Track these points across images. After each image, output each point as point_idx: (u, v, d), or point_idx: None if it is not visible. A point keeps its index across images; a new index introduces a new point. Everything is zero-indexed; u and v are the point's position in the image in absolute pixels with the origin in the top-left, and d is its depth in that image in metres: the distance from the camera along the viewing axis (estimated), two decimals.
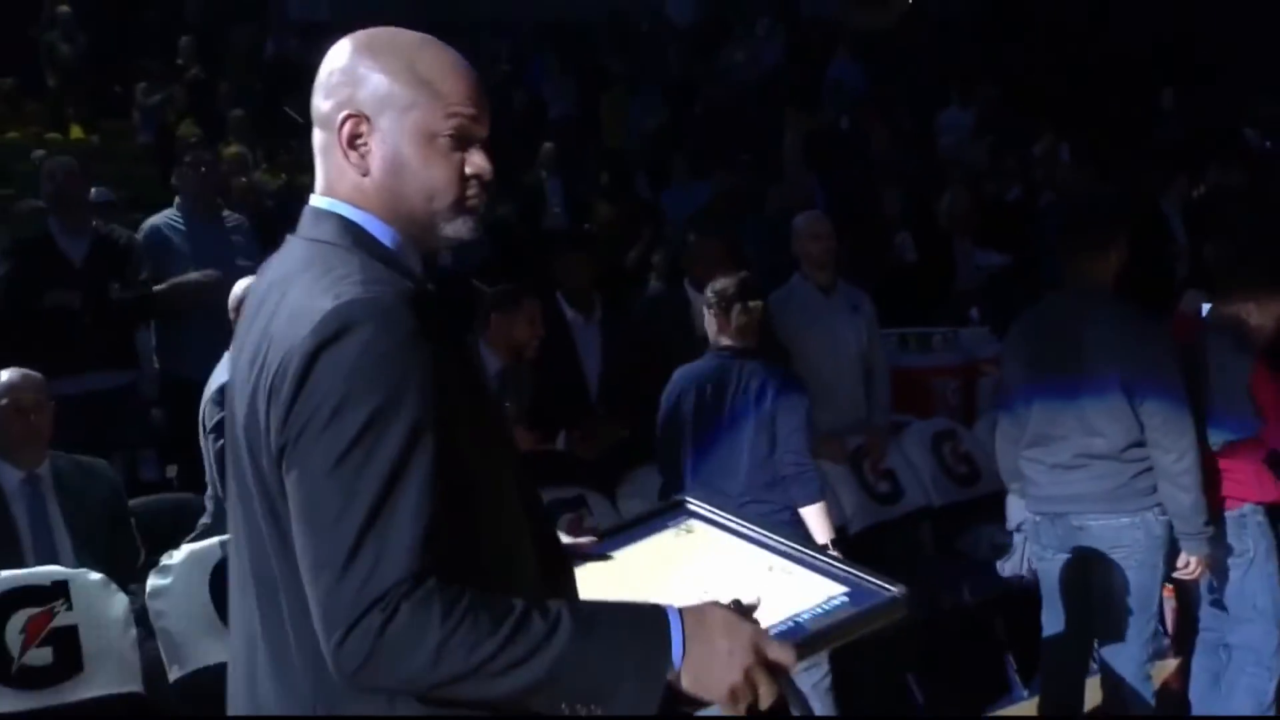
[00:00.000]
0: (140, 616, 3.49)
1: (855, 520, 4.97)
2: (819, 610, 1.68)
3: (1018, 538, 4.49)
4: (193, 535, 3.79)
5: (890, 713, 4.63)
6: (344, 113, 1.55)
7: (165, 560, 3.54)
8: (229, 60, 12.15)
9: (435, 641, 1.36)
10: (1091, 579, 3.85)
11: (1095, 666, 4.06)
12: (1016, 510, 4.23)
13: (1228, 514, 3.95)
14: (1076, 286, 3.89)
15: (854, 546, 4.89)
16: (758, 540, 1.89)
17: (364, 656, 1.36)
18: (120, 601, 3.41)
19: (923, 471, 5.28)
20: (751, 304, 4.02)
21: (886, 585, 1.73)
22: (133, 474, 5.08)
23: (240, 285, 3.95)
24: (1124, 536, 3.78)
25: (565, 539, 1.80)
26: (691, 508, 2.00)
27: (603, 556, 1.88)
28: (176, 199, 5.50)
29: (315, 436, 1.40)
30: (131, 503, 4.12)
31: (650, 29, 14.45)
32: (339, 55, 1.57)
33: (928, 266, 7.44)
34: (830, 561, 1.82)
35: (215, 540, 3.64)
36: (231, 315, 3.88)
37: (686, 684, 1.45)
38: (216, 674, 3.41)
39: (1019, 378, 4.04)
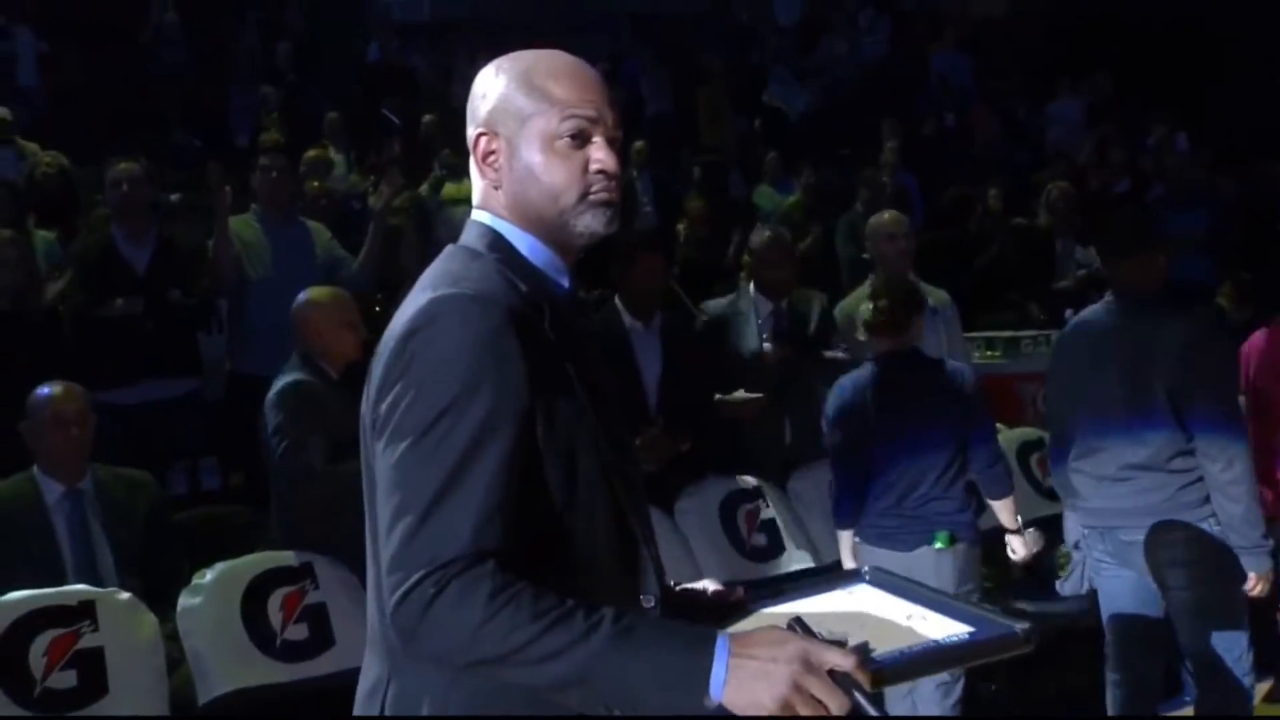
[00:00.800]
0: (174, 636, 3.43)
1: (827, 553, 4.60)
2: (931, 644, 1.67)
3: (1076, 555, 4.24)
4: None
5: None
6: (476, 131, 1.67)
7: (197, 579, 3.48)
8: (326, 63, 12.29)
9: (475, 622, 1.42)
10: (1154, 600, 3.69)
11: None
12: (1074, 526, 4.01)
13: None
14: (1123, 290, 3.72)
15: None
16: (923, 600, 1.82)
17: (411, 626, 1.45)
18: (150, 622, 3.37)
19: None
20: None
21: (1011, 623, 1.70)
22: (194, 483, 5.08)
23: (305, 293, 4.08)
24: (1178, 551, 3.60)
25: (711, 587, 1.81)
26: (868, 576, 1.95)
27: (756, 614, 1.81)
28: (253, 204, 5.51)
29: (400, 414, 1.50)
30: (181, 515, 4.09)
31: (749, 22, 14.24)
32: (477, 83, 1.70)
33: (1024, 265, 7.10)
34: (973, 609, 1.78)
35: (250, 558, 3.57)
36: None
37: (735, 706, 1.44)
38: (248, 697, 3.42)
39: (1067, 386, 3.86)
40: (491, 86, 1.66)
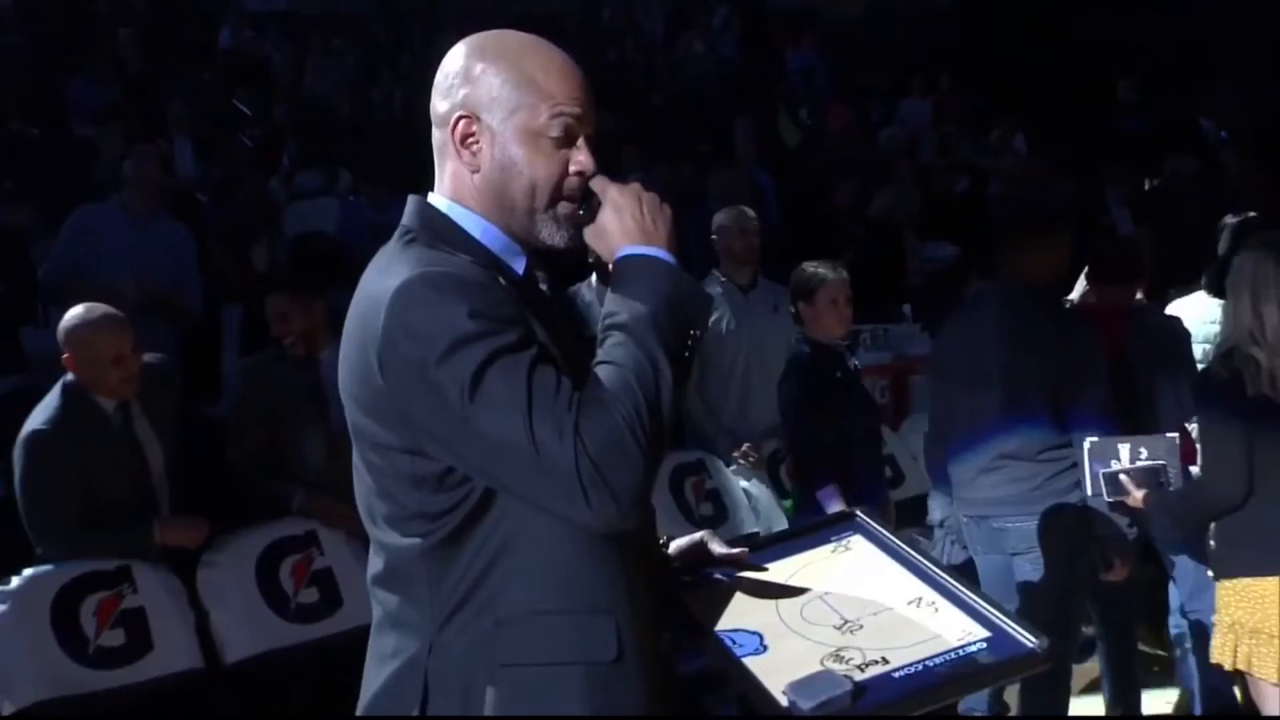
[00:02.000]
0: None
1: (771, 524, 4.78)
2: (952, 655, 1.69)
3: (938, 533, 4.39)
4: None
5: None
6: (458, 113, 1.68)
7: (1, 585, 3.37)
8: (174, 51, 11.92)
9: (620, 424, 1.52)
10: (1015, 581, 3.78)
11: None
12: (937, 506, 4.15)
13: None
14: (1005, 282, 3.84)
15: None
16: (915, 567, 1.87)
17: (602, 482, 1.51)
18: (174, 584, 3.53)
19: None
20: None
21: (1029, 636, 1.71)
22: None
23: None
24: (1038, 537, 3.72)
25: (718, 548, 1.92)
26: (860, 521, 2.01)
27: (755, 567, 1.92)
28: (115, 195, 5.37)
29: (434, 393, 1.54)
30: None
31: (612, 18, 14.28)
32: (454, 59, 1.70)
33: (869, 261, 7.25)
34: (980, 601, 1.79)
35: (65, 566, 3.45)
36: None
37: (655, 237, 1.66)
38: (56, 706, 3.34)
39: (946, 375, 4.00)
40: (472, 68, 1.67)
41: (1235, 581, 3.17)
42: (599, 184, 1.69)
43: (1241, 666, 3.17)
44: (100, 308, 3.62)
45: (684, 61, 12.94)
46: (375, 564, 1.73)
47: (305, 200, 8.69)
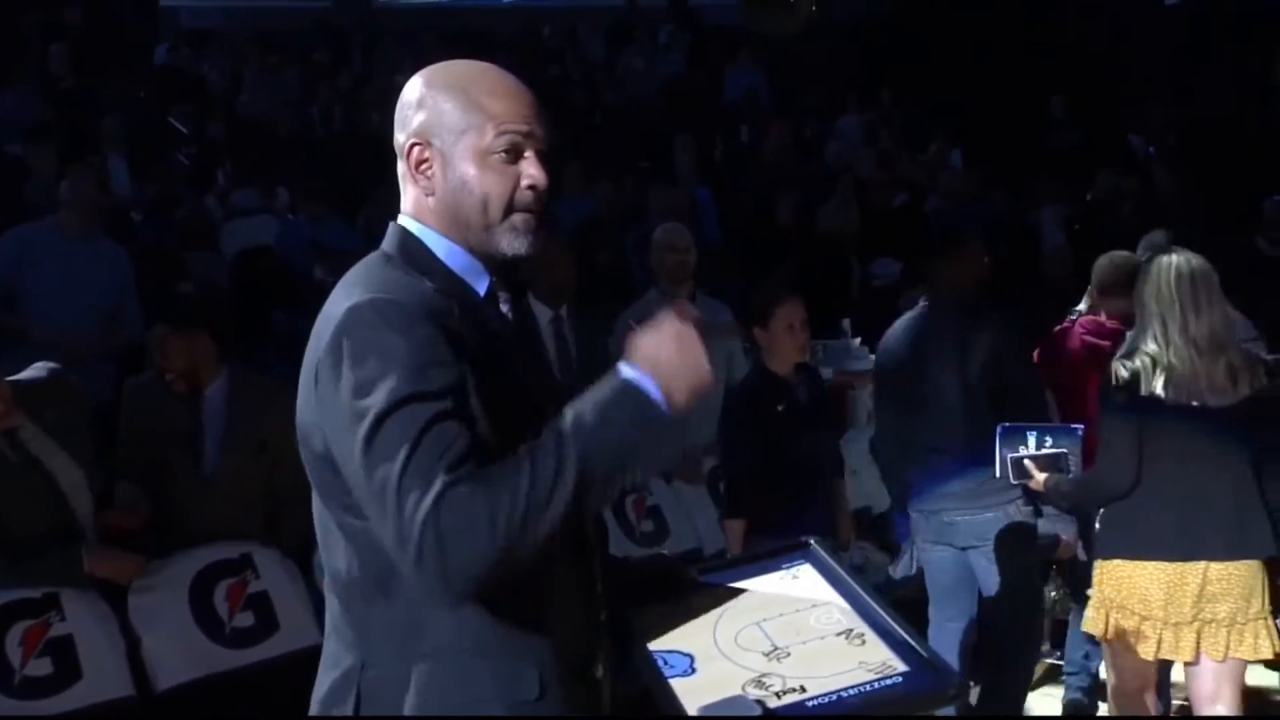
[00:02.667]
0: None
1: (710, 541, 4.79)
2: (866, 688, 1.74)
3: (905, 545, 4.52)
4: None
5: None
6: (409, 141, 1.76)
7: None
8: (108, 67, 11.75)
9: (484, 510, 1.51)
10: (969, 573, 4.17)
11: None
12: (902, 521, 4.38)
13: None
14: (941, 292, 4.21)
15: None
16: (855, 599, 1.92)
17: (437, 556, 1.52)
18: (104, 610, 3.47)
19: None
20: None
21: (946, 674, 1.79)
22: None
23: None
24: (988, 529, 4.05)
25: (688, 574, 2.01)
26: (812, 551, 2.07)
27: (706, 588, 2.00)
28: (50, 216, 5.29)
29: (350, 400, 1.59)
30: None
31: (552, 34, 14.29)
32: (409, 91, 1.78)
33: (812, 277, 7.30)
34: (907, 636, 1.84)
35: None
36: None
37: (663, 376, 1.64)
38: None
39: (891, 386, 4.34)
40: (424, 98, 1.75)
41: (1110, 562, 3.48)
42: (683, 308, 1.74)
43: (1111, 639, 3.51)
44: None
45: (625, 79, 12.97)
46: (328, 564, 1.77)
47: (242, 219, 8.60)
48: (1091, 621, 3.54)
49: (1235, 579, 3.34)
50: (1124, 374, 3.38)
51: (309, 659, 3.62)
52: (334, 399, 1.62)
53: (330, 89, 12.32)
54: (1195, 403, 3.34)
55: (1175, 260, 3.39)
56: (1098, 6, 12.31)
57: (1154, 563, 3.37)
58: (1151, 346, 3.36)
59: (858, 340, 6.02)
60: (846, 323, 6.14)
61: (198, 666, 3.56)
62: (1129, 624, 3.42)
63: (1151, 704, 3.64)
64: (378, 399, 1.57)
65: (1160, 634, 3.38)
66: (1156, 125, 10.42)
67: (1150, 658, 3.45)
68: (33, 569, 3.41)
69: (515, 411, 1.69)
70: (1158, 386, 3.33)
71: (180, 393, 3.90)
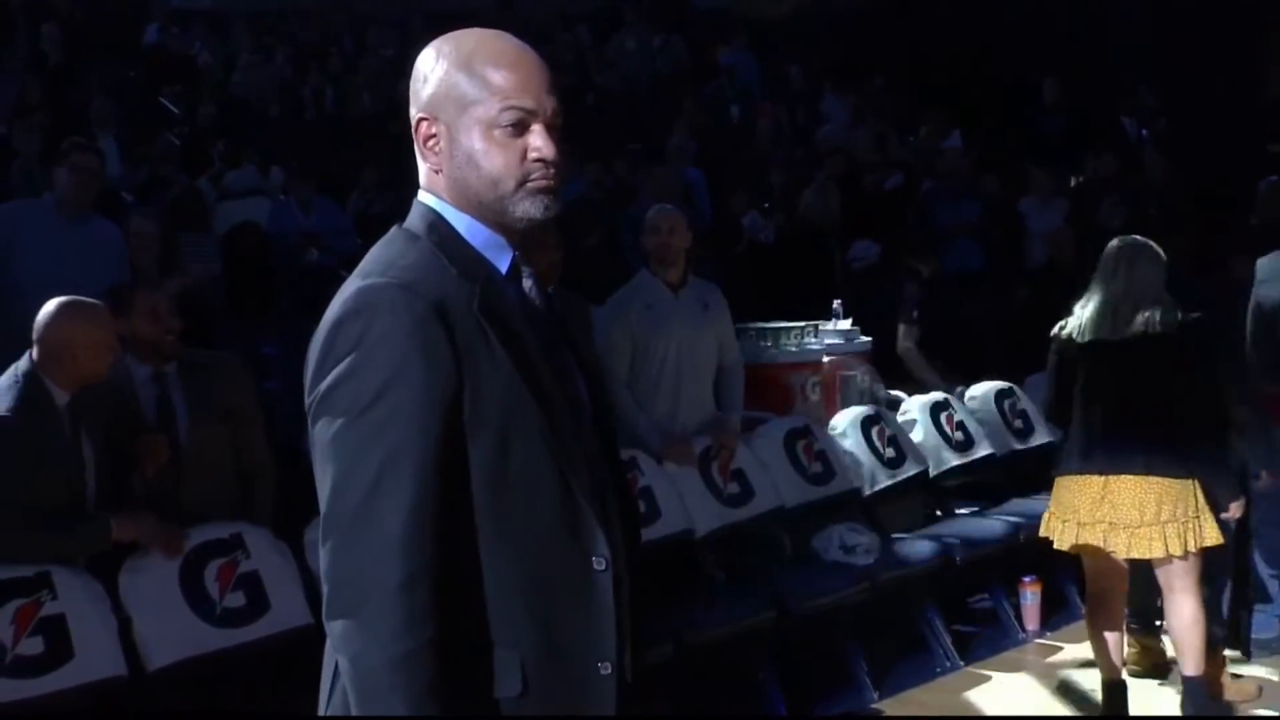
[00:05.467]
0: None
1: (702, 524, 4.81)
2: None
3: None
4: None
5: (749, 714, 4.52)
6: (418, 116, 1.71)
7: None
8: (99, 48, 11.70)
9: (381, 653, 1.51)
10: None
11: None
12: None
13: None
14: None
15: (705, 549, 4.83)
16: None
17: (339, 629, 1.55)
18: (96, 590, 3.44)
19: (775, 471, 5.13)
20: None
21: None
22: None
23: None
24: None
25: None
26: None
27: None
28: (48, 193, 5.27)
29: (335, 395, 1.58)
30: None
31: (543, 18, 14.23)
32: (420, 63, 1.73)
33: (796, 258, 7.33)
34: None
35: None
36: None
37: None
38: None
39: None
40: (432, 70, 1.70)
41: (1059, 479, 4.20)
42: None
43: (1056, 541, 4.18)
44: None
45: (616, 61, 12.94)
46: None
47: (235, 200, 8.59)
48: (1044, 527, 4.24)
49: (1127, 489, 3.98)
50: (1066, 325, 4.14)
51: (300, 639, 3.71)
52: (331, 378, 1.60)
53: (321, 70, 12.27)
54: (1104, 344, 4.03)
55: (1123, 242, 4.17)
56: None
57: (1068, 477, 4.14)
58: (1101, 295, 4.10)
59: (848, 321, 6.02)
60: (838, 304, 6.15)
61: (189, 646, 3.56)
62: (1062, 525, 4.13)
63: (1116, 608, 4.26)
64: (358, 398, 1.57)
65: (1077, 532, 4.08)
66: (1149, 109, 10.41)
67: (1066, 548, 4.17)
68: (53, 538, 3.47)
69: (541, 389, 1.65)
70: (1104, 333, 4.05)
71: (156, 365, 3.94)
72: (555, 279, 4.86)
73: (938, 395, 5.90)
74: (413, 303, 1.59)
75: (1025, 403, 6.15)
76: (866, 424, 5.51)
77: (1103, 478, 4.03)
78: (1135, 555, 4.03)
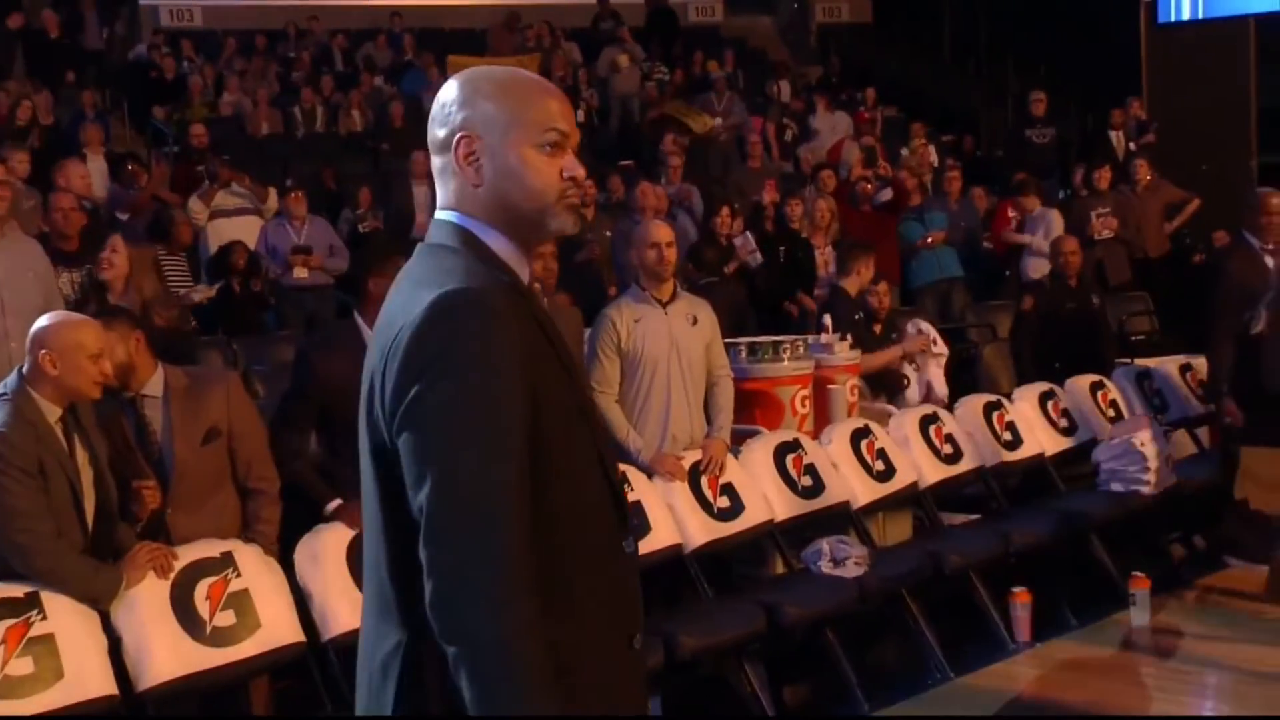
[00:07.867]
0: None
1: (692, 538, 4.81)
2: None
3: None
4: None
5: None
6: (457, 135, 1.81)
7: None
8: (89, 66, 11.72)
9: (490, 636, 1.58)
10: None
11: None
12: None
13: None
14: None
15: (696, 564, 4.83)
16: None
17: (445, 640, 1.60)
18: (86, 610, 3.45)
19: (765, 484, 5.14)
20: None
21: None
22: None
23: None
24: None
25: None
26: None
27: None
28: None
29: (427, 405, 1.64)
30: None
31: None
32: (449, 91, 1.84)
33: (785, 273, 7.34)
34: None
35: None
36: None
37: None
38: None
39: None
40: (470, 97, 1.82)
41: None
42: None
43: None
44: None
45: (608, 77, 12.98)
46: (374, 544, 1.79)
47: (224, 218, 8.60)
48: None
49: None
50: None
51: (291, 657, 3.70)
52: (418, 389, 1.65)
53: (313, 90, 12.30)
54: None
55: None
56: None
57: None
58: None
59: (837, 336, 6.04)
60: (827, 319, 6.16)
61: (179, 665, 3.56)
62: None
63: None
64: (455, 403, 1.63)
65: None
66: (1137, 121, 10.45)
67: None
68: (83, 575, 3.51)
69: (580, 387, 1.81)
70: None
71: (124, 393, 3.85)
72: (552, 289, 4.94)
73: (926, 409, 5.93)
74: (490, 303, 1.69)
75: (1013, 414, 6.16)
76: (856, 437, 5.53)
77: None
78: None
